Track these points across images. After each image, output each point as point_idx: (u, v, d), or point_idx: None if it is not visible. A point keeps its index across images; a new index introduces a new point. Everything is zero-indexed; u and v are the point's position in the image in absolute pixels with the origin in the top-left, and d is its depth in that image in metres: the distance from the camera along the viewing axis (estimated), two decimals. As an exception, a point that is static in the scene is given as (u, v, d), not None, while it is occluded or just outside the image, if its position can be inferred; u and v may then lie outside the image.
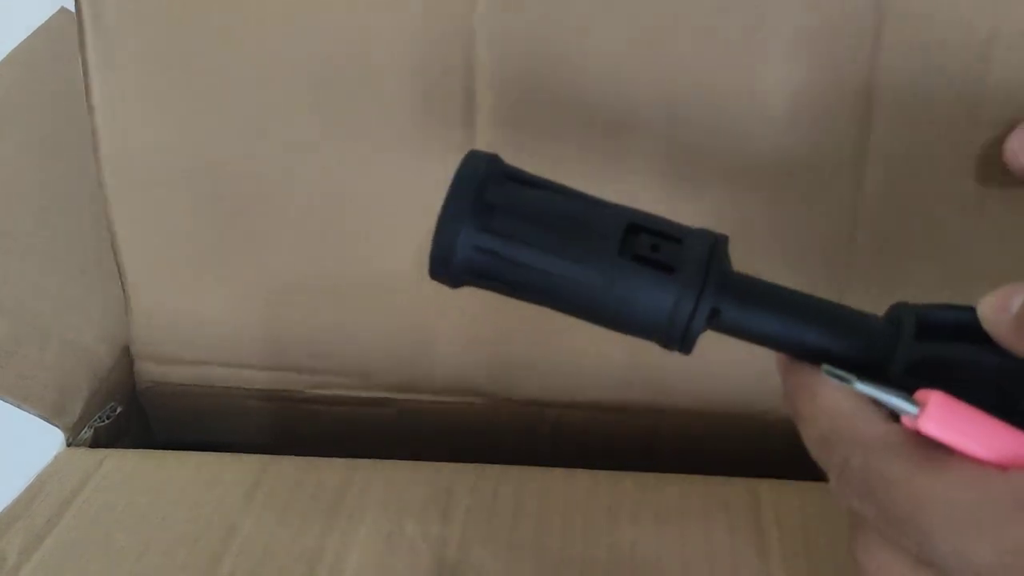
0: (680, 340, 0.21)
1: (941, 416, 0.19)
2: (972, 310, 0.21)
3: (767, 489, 0.31)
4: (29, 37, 0.44)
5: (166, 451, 0.34)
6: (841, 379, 0.20)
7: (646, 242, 0.21)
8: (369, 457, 0.33)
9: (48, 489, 0.31)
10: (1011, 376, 0.20)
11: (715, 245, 0.21)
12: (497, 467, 0.32)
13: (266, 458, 0.33)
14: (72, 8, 0.46)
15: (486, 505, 0.30)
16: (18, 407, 0.34)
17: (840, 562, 0.28)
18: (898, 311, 0.22)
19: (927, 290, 0.26)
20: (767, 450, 0.34)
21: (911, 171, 0.33)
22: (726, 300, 0.21)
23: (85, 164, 0.41)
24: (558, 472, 0.32)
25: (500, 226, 0.21)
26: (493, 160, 0.22)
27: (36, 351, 0.35)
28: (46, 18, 0.45)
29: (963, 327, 0.21)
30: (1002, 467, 0.19)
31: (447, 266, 0.21)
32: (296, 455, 0.33)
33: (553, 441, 0.38)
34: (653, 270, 0.21)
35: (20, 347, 0.35)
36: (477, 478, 0.31)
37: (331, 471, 0.32)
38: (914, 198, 0.33)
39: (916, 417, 0.19)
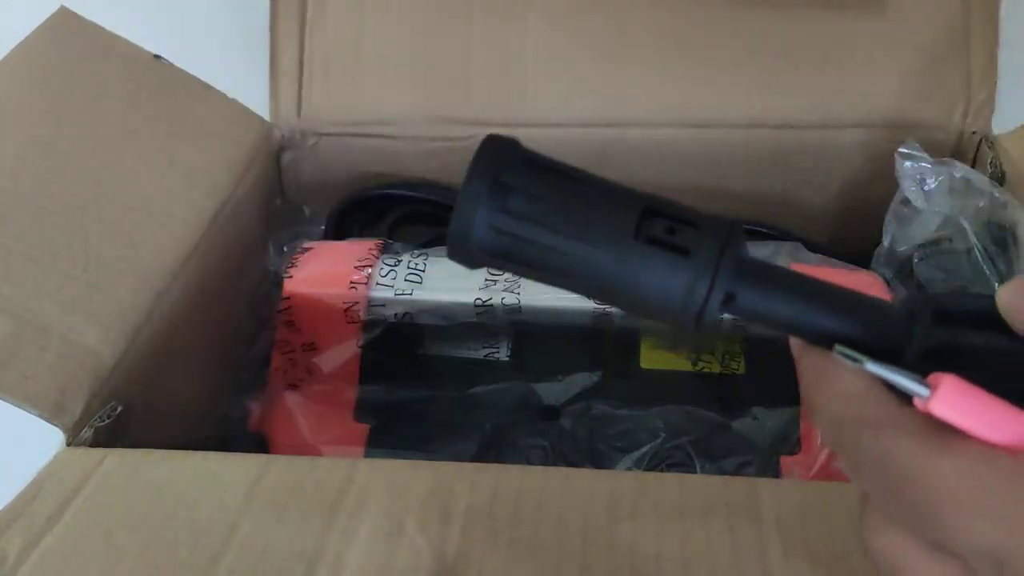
0: (695, 323, 0.21)
1: (953, 398, 0.19)
2: (990, 298, 0.21)
3: (767, 489, 0.31)
4: (29, 36, 0.44)
5: (166, 451, 0.34)
6: (853, 360, 0.20)
7: (661, 226, 0.21)
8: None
9: (48, 489, 0.31)
10: None
11: (731, 230, 0.22)
12: (497, 466, 0.32)
13: (266, 458, 0.33)
14: (72, 8, 0.46)
15: (486, 504, 0.30)
16: (18, 407, 0.34)
17: (841, 562, 0.28)
18: (914, 299, 0.22)
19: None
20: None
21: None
22: (741, 284, 0.22)
23: (86, 164, 0.42)
24: (558, 471, 0.32)
25: (517, 207, 0.22)
26: (511, 144, 0.22)
27: (37, 351, 0.35)
28: (46, 18, 0.45)
29: (980, 315, 0.21)
30: (1013, 451, 0.19)
31: (465, 246, 0.22)
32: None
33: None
34: (668, 252, 0.21)
35: (21, 347, 0.35)
36: (477, 477, 0.31)
37: (331, 471, 0.32)
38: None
39: (928, 399, 0.19)
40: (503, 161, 0.22)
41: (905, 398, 0.20)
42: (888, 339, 0.21)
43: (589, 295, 0.23)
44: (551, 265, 0.22)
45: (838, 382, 0.21)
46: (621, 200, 0.22)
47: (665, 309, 0.21)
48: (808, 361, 0.22)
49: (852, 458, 0.20)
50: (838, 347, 0.21)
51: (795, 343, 0.23)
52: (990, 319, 0.21)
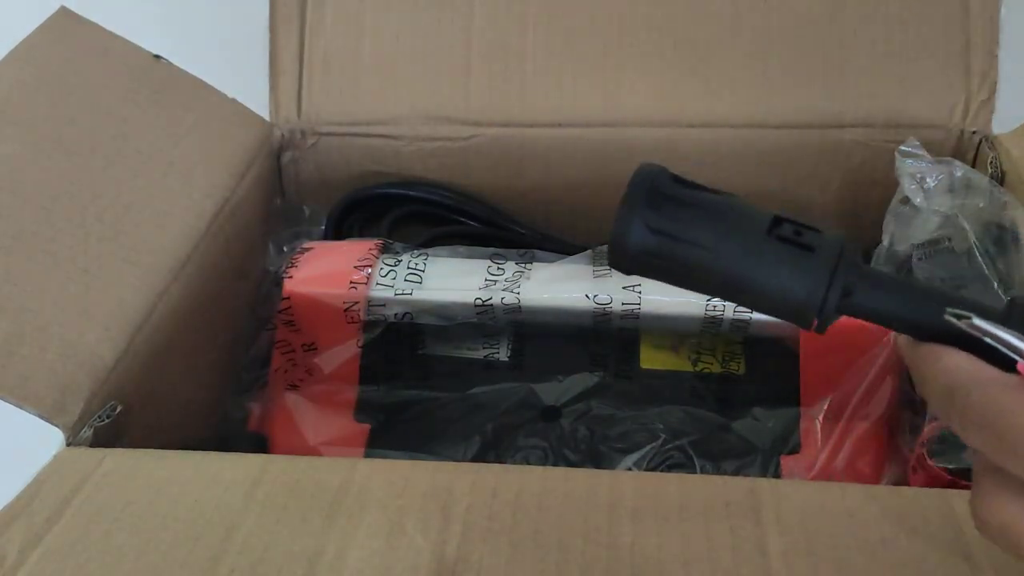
0: (817, 313, 0.25)
1: None
2: None
3: (767, 489, 0.31)
4: (29, 37, 0.44)
5: (166, 451, 0.34)
6: (962, 317, 0.23)
7: (790, 228, 0.25)
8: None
9: (48, 488, 0.31)
10: None
11: (846, 240, 0.25)
12: (497, 466, 0.32)
13: (266, 458, 0.33)
14: (72, 8, 0.46)
15: (486, 504, 0.30)
16: (18, 407, 0.34)
17: (841, 561, 0.28)
18: (1015, 299, 0.24)
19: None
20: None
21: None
22: (858, 281, 0.25)
23: (86, 164, 0.42)
24: (558, 471, 0.32)
25: (670, 210, 0.26)
26: (661, 167, 0.27)
27: (36, 351, 0.35)
28: (46, 18, 0.45)
29: None
30: None
31: (624, 246, 0.26)
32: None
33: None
34: (796, 248, 0.25)
35: (20, 347, 0.35)
36: (477, 477, 0.31)
37: (331, 471, 0.32)
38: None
39: None
40: (655, 176, 0.26)
41: (1009, 368, 0.23)
42: (993, 317, 0.24)
43: (725, 293, 0.26)
44: (696, 261, 0.25)
45: (948, 359, 0.24)
46: (756, 209, 0.26)
47: (791, 301, 0.25)
48: (917, 352, 0.25)
49: (964, 418, 0.22)
50: (949, 309, 0.24)
51: (903, 341, 0.26)
52: None
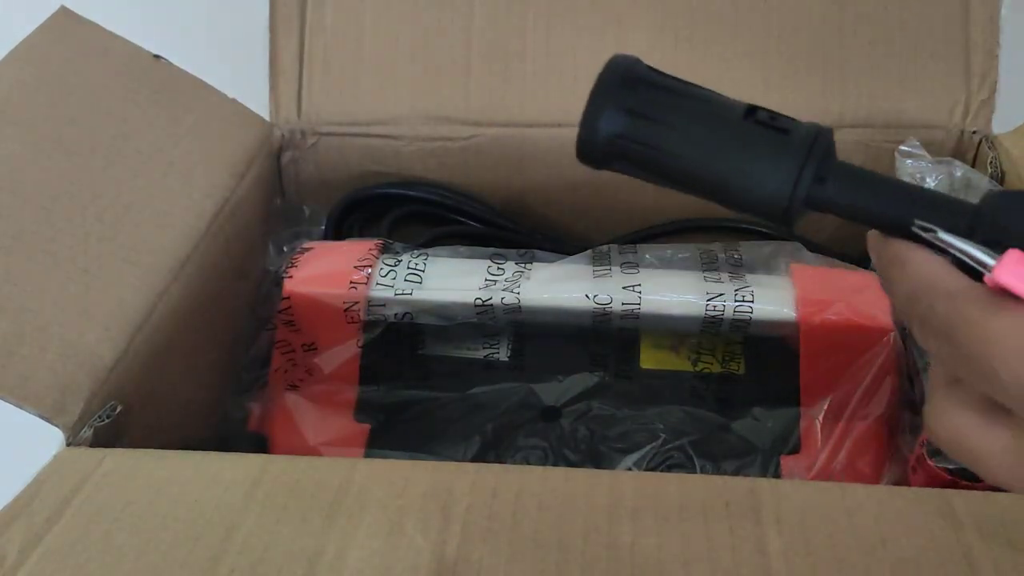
0: (790, 195, 0.24)
1: (1016, 267, 0.21)
2: None
3: (767, 489, 0.31)
4: (29, 37, 0.44)
5: (166, 451, 0.34)
6: (927, 230, 0.23)
7: (764, 115, 0.25)
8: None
9: (47, 488, 0.31)
10: None
11: (823, 127, 0.25)
12: (497, 466, 0.32)
13: (266, 458, 0.33)
14: (72, 8, 0.46)
15: (486, 504, 0.30)
16: (18, 407, 0.34)
17: (841, 561, 0.28)
18: (988, 195, 0.24)
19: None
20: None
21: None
22: (831, 170, 0.24)
23: (86, 164, 0.42)
24: (558, 471, 0.32)
25: (645, 93, 0.25)
26: (636, 58, 0.26)
27: (36, 351, 0.35)
28: (46, 18, 0.45)
29: None
30: None
31: (595, 132, 0.25)
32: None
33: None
34: (771, 131, 0.24)
35: (20, 347, 0.35)
36: (477, 477, 0.31)
37: (331, 471, 0.32)
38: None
39: (992, 268, 0.21)
40: (631, 63, 0.26)
41: (976, 277, 0.22)
42: (961, 228, 0.23)
43: (696, 182, 0.25)
44: (670, 145, 0.25)
45: (915, 263, 0.23)
46: (729, 99, 0.25)
47: (762, 184, 0.24)
48: (887, 250, 0.24)
49: (925, 325, 0.23)
50: (917, 221, 0.23)
51: (873, 237, 0.25)
52: None
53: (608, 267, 0.44)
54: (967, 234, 0.23)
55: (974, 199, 0.24)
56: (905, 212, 0.24)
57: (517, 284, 0.43)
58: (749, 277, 0.43)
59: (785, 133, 0.24)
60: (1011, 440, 0.21)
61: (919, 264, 0.23)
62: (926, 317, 0.23)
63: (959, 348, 0.21)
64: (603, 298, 0.42)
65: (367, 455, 0.44)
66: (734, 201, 0.25)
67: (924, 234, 0.23)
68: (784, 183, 0.24)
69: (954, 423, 0.23)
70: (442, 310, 0.44)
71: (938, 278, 0.23)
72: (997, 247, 0.22)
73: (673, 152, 0.25)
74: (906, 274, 0.23)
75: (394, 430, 0.45)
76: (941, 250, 0.23)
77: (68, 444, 0.34)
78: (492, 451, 0.43)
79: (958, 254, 0.22)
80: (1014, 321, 0.21)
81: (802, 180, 0.24)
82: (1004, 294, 0.21)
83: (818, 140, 0.24)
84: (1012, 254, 0.21)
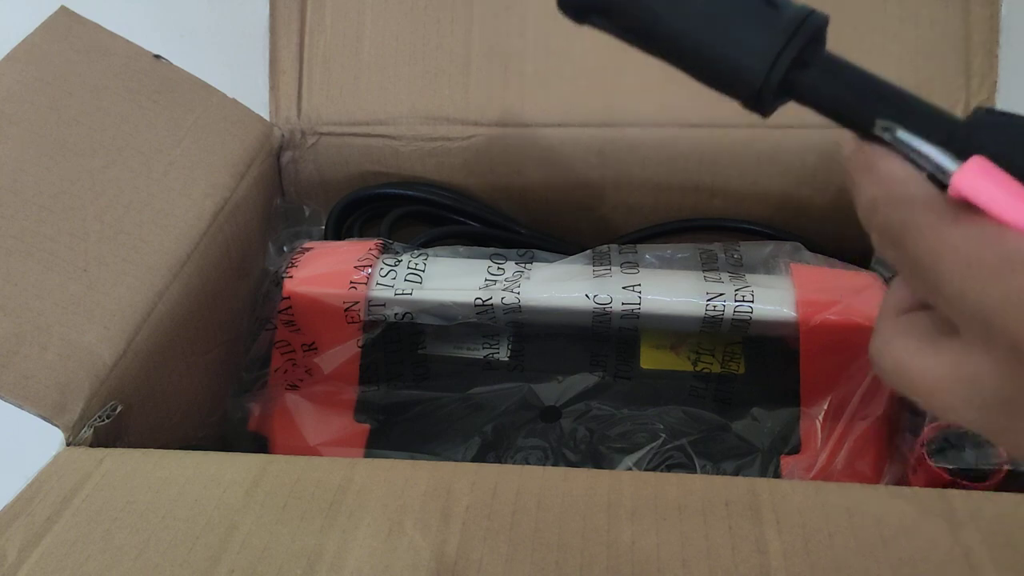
0: (767, 72, 0.22)
1: (976, 175, 0.20)
2: None
3: (767, 489, 0.31)
4: (29, 36, 0.44)
5: (166, 451, 0.34)
6: (888, 129, 0.22)
7: None
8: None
9: (48, 488, 0.31)
10: None
11: (817, 12, 0.23)
12: (497, 466, 0.32)
13: (266, 457, 0.33)
14: (72, 8, 0.46)
15: (486, 504, 0.30)
16: (18, 407, 0.34)
17: (841, 561, 0.28)
18: (983, 112, 0.22)
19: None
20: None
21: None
22: (817, 55, 0.23)
23: (86, 164, 0.42)
24: (558, 471, 0.32)
25: None
26: None
27: (37, 351, 0.35)
28: (46, 18, 0.45)
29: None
30: None
31: None
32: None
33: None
34: (761, 2, 0.23)
35: (21, 347, 0.35)
36: (477, 477, 0.31)
37: (331, 470, 0.32)
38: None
39: (952, 174, 0.20)
40: None
41: (941, 187, 0.21)
42: (934, 136, 0.22)
43: (674, 48, 0.24)
44: (652, 7, 0.23)
45: (881, 170, 0.22)
46: None
47: (742, 55, 0.23)
48: (858, 155, 0.23)
49: (883, 233, 0.22)
50: (879, 120, 0.22)
51: (847, 141, 0.24)
52: None
53: (608, 267, 0.44)
54: (940, 144, 0.22)
55: None
56: (874, 110, 0.22)
57: (517, 284, 0.43)
58: (749, 277, 0.43)
59: (774, 7, 0.23)
60: (952, 364, 0.21)
61: (885, 167, 0.22)
62: (884, 225, 0.22)
63: (910, 257, 0.21)
64: (603, 298, 0.42)
65: (367, 455, 0.44)
66: (707, 74, 0.24)
67: (884, 134, 0.22)
68: (762, 60, 0.22)
69: (898, 351, 0.22)
70: (442, 310, 0.44)
71: (901, 185, 0.22)
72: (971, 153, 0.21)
73: (654, 9, 0.24)
74: (871, 179, 0.23)
75: (394, 430, 0.45)
76: (915, 163, 0.22)
77: (68, 444, 0.34)
78: (492, 451, 0.43)
79: (917, 158, 0.21)
80: (966, 232, 0.20)
81: (781, 59, 0.22)
82: (964, 206, 0.20)
83: (807, 21, 0.22)
84: (976, 160, 0.20)
